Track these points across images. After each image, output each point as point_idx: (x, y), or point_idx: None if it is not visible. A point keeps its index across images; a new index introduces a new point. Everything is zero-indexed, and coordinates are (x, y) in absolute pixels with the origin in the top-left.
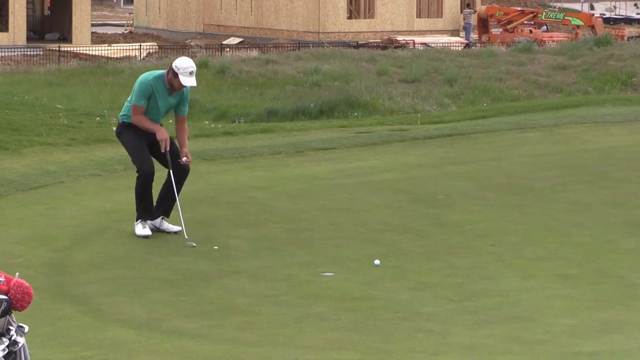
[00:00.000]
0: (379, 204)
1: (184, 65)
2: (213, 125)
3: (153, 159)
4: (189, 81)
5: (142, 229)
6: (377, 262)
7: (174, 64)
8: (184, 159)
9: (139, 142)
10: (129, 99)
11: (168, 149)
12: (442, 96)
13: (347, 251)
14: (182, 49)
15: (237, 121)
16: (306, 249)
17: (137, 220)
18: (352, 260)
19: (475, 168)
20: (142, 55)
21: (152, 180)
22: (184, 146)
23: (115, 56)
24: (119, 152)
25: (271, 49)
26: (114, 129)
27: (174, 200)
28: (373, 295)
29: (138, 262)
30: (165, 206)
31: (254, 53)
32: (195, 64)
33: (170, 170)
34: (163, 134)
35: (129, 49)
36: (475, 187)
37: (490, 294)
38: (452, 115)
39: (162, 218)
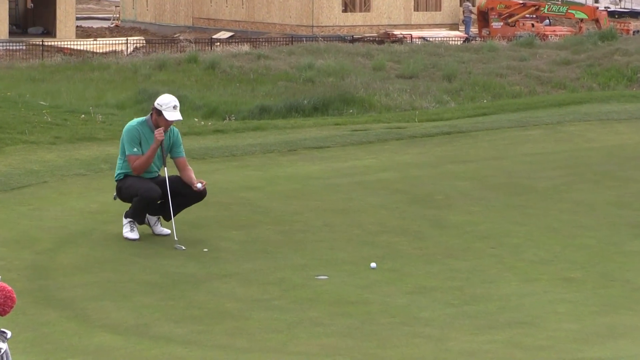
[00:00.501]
0: (375, 205)
1: (166, 100)
2: (203, 122)
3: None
4: (174, 115)
5: (130, 231)
6: (373, 265)
7: (155, 103)
8: (199, 185)
9: (143, 180)
10: (119, 157)
11: (163, 137)
12: (440, 92)
13: (342, 254)
14: (171, 43)
15: (227, 118)
16: (299, 251)
17: (125, 218)
18: (348, 263)
19: (475, 167)
20: (129, 50)
21: (154, 204)
22: (194, 181)
23: (101, 51)
24: (105, 150)
25: (263, 44)
26: (114, 195)
27: (171, 217)
28: (369, 299)
29: (125, 265)
30: (164, 211)
31: (245, 48)
32: (184, 60)
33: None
34: (159, 134)
35: (116, 44)
36: (476, 187)
37: (491, 298)
38: (451, 112)
39: (159, 218)
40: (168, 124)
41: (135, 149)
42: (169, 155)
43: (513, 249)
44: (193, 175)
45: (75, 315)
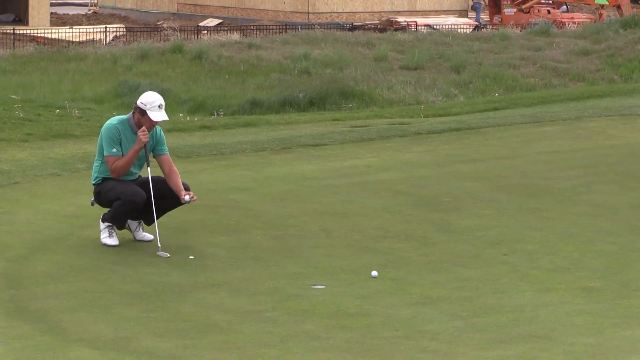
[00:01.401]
0: (377, 208)
1: (150, 99)
2: (188, 118)
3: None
4: (159, 116)
5: (108, 237)
6: (374, 273)
7: (138, 102)
8: (186, 197)
9: (125, 183)
10: (96, 158)
11: (147, 139)
12: (448, 85)
13: (340, 261)
14: (154, 31)
15: (215, 114)
16: (294, 258)
17: (103, 223)
18: (346, 271)
19: (486, 167)
20: (107, 39)
21: (137, 210)
22: (182, 190)
23: (77, 40)
24: (82, 148)
25: (254, 32)
26: (92, 200)
27: (153, 220)
28: (370, 311)
29: (103, 273)
30: (147, 216)
31: (235, 36)
32: (168, 50)
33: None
34: (143, 135)
35: (93, 32)
36: (486, 188)
37: (503, 310)
38: (459, 106)
39: (140, 223)
40: (152, 124)
41: (114, 150)
42: (151, 154)
43: (527, 256)
44: (180, 182)
45: (50, 329)
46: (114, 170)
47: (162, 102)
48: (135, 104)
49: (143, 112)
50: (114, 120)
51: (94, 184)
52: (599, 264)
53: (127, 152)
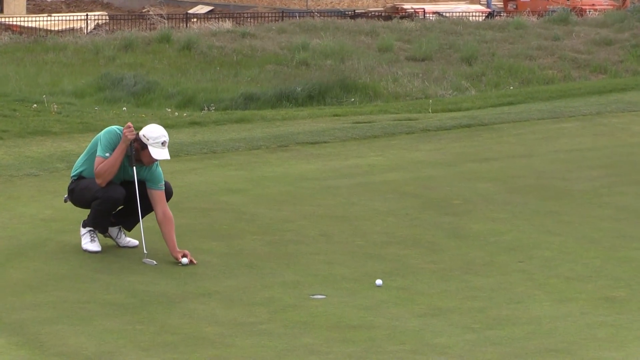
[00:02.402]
0: (382, 211)
1: (155, 134)
2: (177, 113)
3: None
4: (161, 154)
5: (90, 242)
6: (378, 282)
7: (141, 133)
8: (184, 260)
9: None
10: (84, 154)
11: (133, 135)
12: (458, 78)
13: (341, 269)
14: (139, 19)
15: (206, 109)
16: (291, 266)
17: (84, 228)
18: (348, 280)
19: (500, 166)
20: (89, 28)
21: (117, 207)
22: (174, 248)
23: (56, 29)
24: (61, 147)
25: (248, 20)
26: (65, 196)
27: (138, 221)
28: (374, 322)
29: (85, 282)
30: (127, 219)
31: (227, 24)
32: (154, 40)
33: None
34: (129, 131)
35: (74, 20)
36: (500, 189)
37: (519, 322)
38: (471, 101)
39: (121, 229)
40: (151, 161)
41: (107, 154)
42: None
43: (544, 263)
44: (173, 235)
45: (27, 342)
46: (99, 173)
47: (167, 138)
48: (137, 134)
49: (144, 146)
50: (115, 127)
51: (72, 178)
52: (623, 272)
53: (117, 169)
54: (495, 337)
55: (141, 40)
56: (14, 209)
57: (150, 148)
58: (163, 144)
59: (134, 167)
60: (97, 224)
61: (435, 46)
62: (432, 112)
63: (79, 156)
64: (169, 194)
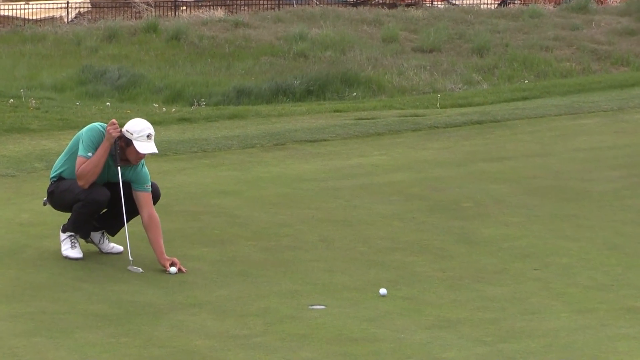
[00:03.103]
0: (386, 215)
1: (138, 127)
2: (165, 109)
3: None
4: (147, 147)
5: (70, 248)
6: (382, 291)
7: (124, 129)
8: (172, 269)
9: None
10: (64, 154)
11: (118, 133)
12: (469, 71)
13: (343, 277)
14: (124, 7)
15: (196, 104)
16: (289, 274)
17: (64, 233)
18: (350, 289)
19: (514, 166)
20: (70, 16)
21: (101, 210)
22: (162, 255)
23: (34, 17)
24: (40, 145)
25: (242, 8)
26: (44, 199)
27: (122, 225)
28: (377, 335)
29: (65, 291)
30: (111, 224)
31: (219, 13)
32: (141, 29)
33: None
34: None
35: (53, 8)
36: (514, 191)
37: (534, 334)
38: (482, 95)
39: (104, 234)
40: (139, 157)
41: (90, 153)
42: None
43: (562, 271)
44: (161, 241)
45: (2, 356)
46: (81, 174)
47: (152, 131)
48: (121, 130)
49: (128, 142)
50: (97, 124)
51: (51, 180)
52: None
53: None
54: (509, 351)
55: (126, 30)
56: None
57: (135, 143)
58: (149, 136)
59: (119, 167)
60: (79, 229)
61: (443, 36)
62: (440, 108)
63: (58, 155)
64: (156, 196)
